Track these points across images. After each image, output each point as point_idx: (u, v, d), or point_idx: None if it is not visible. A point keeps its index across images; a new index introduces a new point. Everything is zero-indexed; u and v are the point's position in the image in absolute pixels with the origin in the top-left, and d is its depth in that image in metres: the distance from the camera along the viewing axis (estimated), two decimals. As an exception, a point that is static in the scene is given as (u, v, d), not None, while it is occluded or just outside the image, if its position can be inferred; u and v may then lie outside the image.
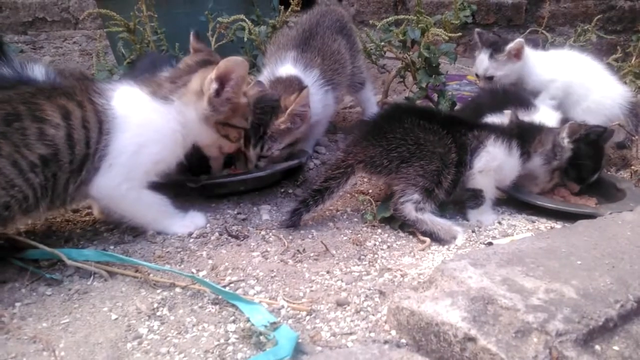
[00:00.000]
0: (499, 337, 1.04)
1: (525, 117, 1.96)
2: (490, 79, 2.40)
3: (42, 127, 1.42)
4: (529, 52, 2.37)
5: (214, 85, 1.59)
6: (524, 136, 1.83)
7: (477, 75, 2.49)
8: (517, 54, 2.33)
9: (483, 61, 2.41)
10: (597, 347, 1.04)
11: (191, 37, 1.79)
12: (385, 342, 1.19)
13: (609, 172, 2.17)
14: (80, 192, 1.51)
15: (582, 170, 1.89)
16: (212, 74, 1.58)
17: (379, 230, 1.71)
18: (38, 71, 1.72)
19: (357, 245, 1.62)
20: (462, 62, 4.07)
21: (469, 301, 1.12)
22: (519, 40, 2.33)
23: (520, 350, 1.02)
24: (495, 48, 2.37)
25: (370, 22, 2.65)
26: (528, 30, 3.72)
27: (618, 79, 2.40)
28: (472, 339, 1.05)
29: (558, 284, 1.17)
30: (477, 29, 2.52)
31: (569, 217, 1.75)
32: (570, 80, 2.30)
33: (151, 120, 1.57)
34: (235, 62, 1.59)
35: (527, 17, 4.17)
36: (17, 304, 1.35)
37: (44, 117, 1.43)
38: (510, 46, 2.32)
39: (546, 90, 2.33)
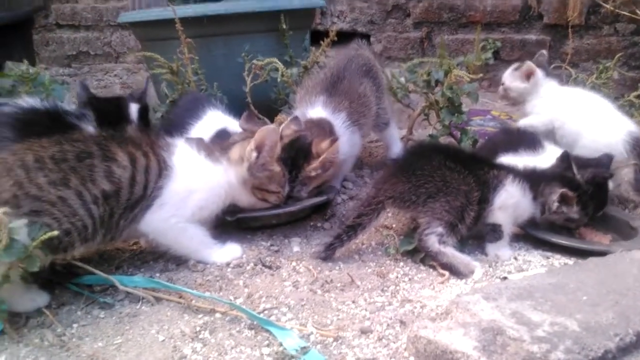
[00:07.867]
0: (506, 365, 1.16)
1: (533, 157, 2.08)
2: (506, 90, 2.63)
3: (111, 167, 1.64)
4: (541, 80, 2.54)
5: (254, 154, 1.83)
6: (535, 181, 1.94)
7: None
8: (527, 76, 2.54)
9: (507, 70, 2.65)
10: (597, 377, 1.15)
11: (242, 118, 2.09)
12: (405, 367, 1.31)
13: (626, 210, 2.24)
14: (129, 229, 1.71)
15: (588, 207, 1.98)
16: (251, 144, 1.83)
17: (401, 264, 1.83)
18: None
19: (380, 277, 1.74)
20: (488, 97, 4.19)
21: (480, 332, 1.24)
22: (529, 63, 2.54)
23: (525, 378, 1.13)
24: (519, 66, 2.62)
25: (395, 62, 2.81)
26: (552, 66, 3.80)
27: (626, 115, 2.45)
28: (481, 366, 1.16)
29: (563, 318, 1.28)
30: (542, 51, 2.75)
31: (583, 253, 1.83)
32: (557, 117, 2.44)
33: (202, 173, 1.81)
34: (267, 131, 1.85)
35: (551, 53, 4.24)
36: (75, 325, 1.51)
37: (116, 158, 1.65)
38: (522, 67, 2.55)
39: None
